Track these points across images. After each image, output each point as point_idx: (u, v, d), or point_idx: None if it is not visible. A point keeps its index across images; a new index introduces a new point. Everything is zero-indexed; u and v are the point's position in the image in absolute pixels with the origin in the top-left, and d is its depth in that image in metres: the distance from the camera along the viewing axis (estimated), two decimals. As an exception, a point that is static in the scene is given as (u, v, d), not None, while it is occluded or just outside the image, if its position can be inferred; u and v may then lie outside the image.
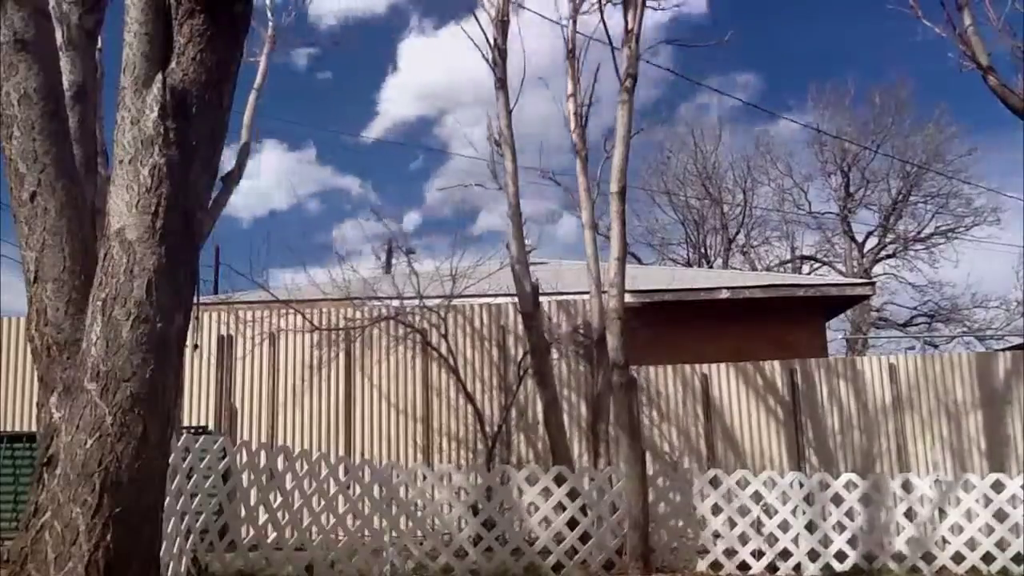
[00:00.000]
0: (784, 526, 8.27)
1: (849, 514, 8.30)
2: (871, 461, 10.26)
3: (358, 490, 8.15)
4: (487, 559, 8.06)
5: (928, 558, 8.26)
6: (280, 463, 7.86)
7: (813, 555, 8.16)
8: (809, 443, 10.43)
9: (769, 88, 41.71)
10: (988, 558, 8.23)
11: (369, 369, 10.72)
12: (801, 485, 8.44)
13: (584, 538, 8.24)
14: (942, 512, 8.49)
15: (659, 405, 10.63)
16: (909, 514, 8.45)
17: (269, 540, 7.58)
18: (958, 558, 8.23)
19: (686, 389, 10.68)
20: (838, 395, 10.56)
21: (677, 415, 10.62)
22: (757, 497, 8.39)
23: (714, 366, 10.71)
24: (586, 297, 10.17)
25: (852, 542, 8.22)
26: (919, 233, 30.98)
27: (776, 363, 10.67)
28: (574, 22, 10.11)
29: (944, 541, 8.40)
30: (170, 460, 5.01)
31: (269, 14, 11.49)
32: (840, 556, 8.16)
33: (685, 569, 8.20)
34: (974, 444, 10.25)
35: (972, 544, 8.30)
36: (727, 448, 10.51)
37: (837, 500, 8.35)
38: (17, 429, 10.03)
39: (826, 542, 8.20)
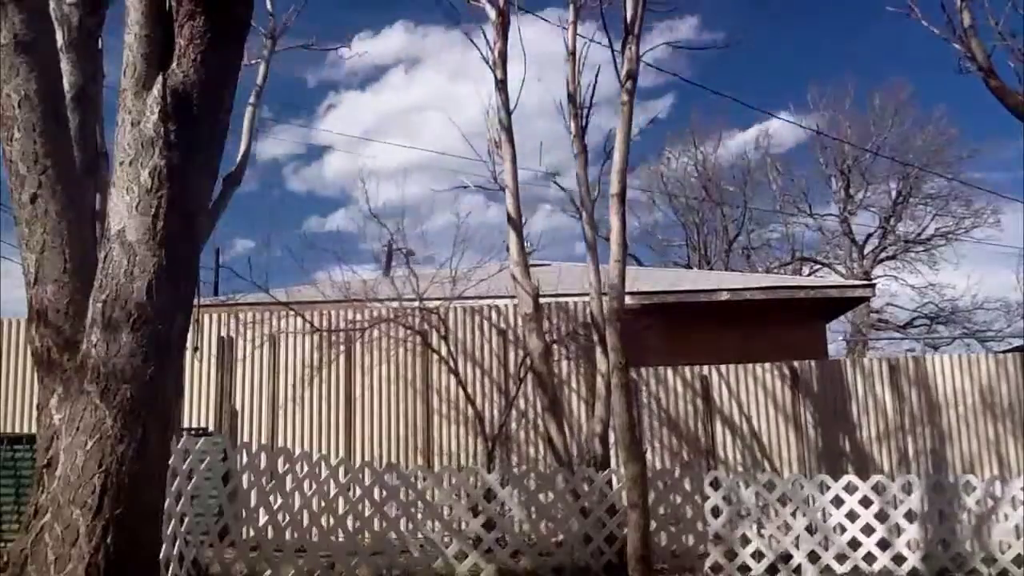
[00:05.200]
0: (785, 527, 8.27)
1: (853, 516, 8.28)
2: (876, 461, 10.25)
3: (358, 492, 8.14)
4: (487, 561, 8.05)
5: (928, 559, 8.24)
6: (280, 465, 7.86)
7: (813, 557, 8.15)
8: (813, 445, 10.43)
9: (769, 89, 41.72)
10: (988, 560, 8.22)
11: (369, 371, 10.72)
12: (802, 487, 8.45)
13: (585, 540, 8.23)
14: (941, 514, 8.46)
15: (659, 407, 10.63)
16: (909, 516, 8.43)
17: (269, 540, 7.57)
18: (958, 559, 8.22)
19: (686, 390, 10.67)
20: (841, 396, 10.56)
21: (677, 416, 10.62)
22: (759, 498, 8.39)
23: (714, 367, 10.72)
24: (586, 299, 10.16)
25: (854, 544, 8.20)
26: (919, 235, 31.01)
27: (790, 364, 10.71)
28: (574, 23, 10.11)
29: (945, 543, 8.38)
30: (170, 462, 5.02)
31: (270, 16, 11.50)
32: (814, 557, 8.15)
33: (686, 572, 8.19)
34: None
35: (972, 546, 8.29)
36: (727, 449, 10.50)
37: (837, 502, 8.34)
38: (18, 430, 10.03)
39: (826, 544, 8.19)
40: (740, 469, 10.03)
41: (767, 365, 10.70)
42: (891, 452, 10.37)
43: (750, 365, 10.71)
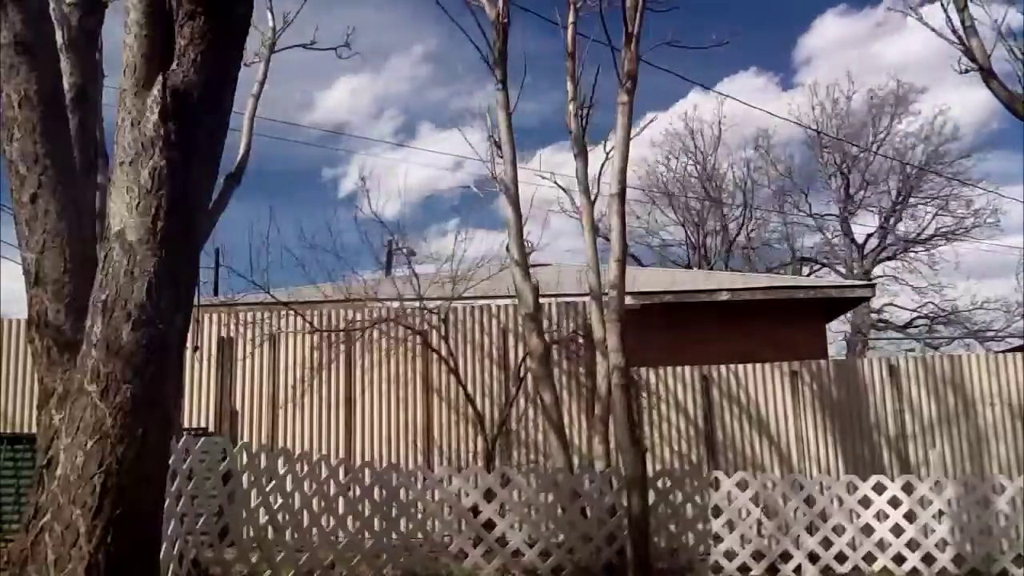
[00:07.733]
0: (785, 527, 8.28)
1: (853, 516, 8.28)
2: (885, 463, 10.24)
3: (358, 492, 8.14)
4: (487, 560, 8.05)
5: (928, 560, 8.24)
6: (280, 465, 7.86)
7: (813, 557, 8.15)
8: (818, 446, 10.43)
9: (768, 88, 41.71)
10: (988, 560, 8.22)
11: (369, 371, 10.71)
12: (801, 487, 8.45)
13: (585, 540, 8.23)
14: (942, 514, 8.46)
15: (660, 406, 10.62)
16: (909, 516, 8.42)
17: (269, 540, 7.57)
18: (959, 560, 8.22)
19: (686, 391, 10.67)
20: (846, 396, 10.56)
21: (678, 416, 10.61)
22: (756, 500, 8.39)
23: (714, 367, 10.71)
24: (586, 299, 10.16)
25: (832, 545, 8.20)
26: (919, 235, 30.99)
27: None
28: (574, 24, 10.10)
29: (944, 543, 8.38)
30: (170, 462, 5.01)
31: (270, 16, 11.51)
32: (814, 557, 8.14)
33: (686, 572, 8.18)
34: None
35: (972, 546, 8.29)
36: (728, 449, 10.50)
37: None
38: (18, 430, 10.03)
39: (827, 544, 8.19)
40: (741, 469, 10.02)
41: (774, 364, 10.68)
42: (897, 453, 10.36)
43: (752, 365, 10.70)
